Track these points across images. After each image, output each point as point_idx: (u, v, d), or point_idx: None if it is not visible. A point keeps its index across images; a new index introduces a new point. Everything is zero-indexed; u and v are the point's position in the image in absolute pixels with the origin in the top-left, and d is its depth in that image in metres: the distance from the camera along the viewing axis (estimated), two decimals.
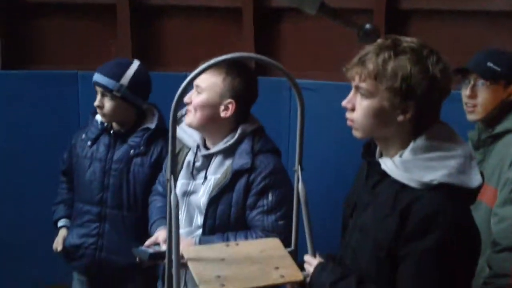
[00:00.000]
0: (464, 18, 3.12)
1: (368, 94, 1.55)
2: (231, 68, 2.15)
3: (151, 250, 2.14)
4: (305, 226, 1.76)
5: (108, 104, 2.54)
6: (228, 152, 2.17)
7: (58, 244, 2.69)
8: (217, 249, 1.86)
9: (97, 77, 2.56)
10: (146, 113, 2.66)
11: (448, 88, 1.56)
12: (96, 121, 2.66)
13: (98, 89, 2.56)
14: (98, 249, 2.63)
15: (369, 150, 1.71)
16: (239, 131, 2.17)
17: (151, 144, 2.60)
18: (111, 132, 2.62)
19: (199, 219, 2.20)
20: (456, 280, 1.50)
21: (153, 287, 2.78)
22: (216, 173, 2.18)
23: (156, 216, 2.37)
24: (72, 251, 2.66)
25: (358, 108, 1.58)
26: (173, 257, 1.60)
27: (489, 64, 2.22)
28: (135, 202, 2.59)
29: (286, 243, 1.86)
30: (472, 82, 2.23)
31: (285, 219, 2.10)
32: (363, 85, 1.55)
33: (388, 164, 1.57)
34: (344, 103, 1.60)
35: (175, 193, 1.60)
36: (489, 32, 3.06)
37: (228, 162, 2.16)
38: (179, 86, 1.77)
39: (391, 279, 1.53)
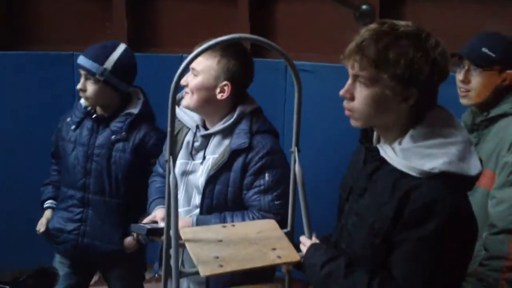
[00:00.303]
0: (458, 1, 3.14)
1: (369, 83, 1.51)
2: (226, 50, 2.16)
3: (148, 226, 2.17)
4: (301, 207, 1.78)
5: (90, 87, 2.52)
6: (226, 132, 2.19)
7: (41, 225, 2.67)
8: (214, 230, 1.89)
9: (81, 59, 2.53)
10: (131, 97, 2.64)
11: (447, 72, 1.54)
12: (80, 105, 2.64)
13: (82, 72, 2.53)
14: (80, 234, 2.62)
15: (366, 135, 1.69)
16: (237, 111, 2.19)
17: (134, 129, 2.57)
18: (94, 116, 2.61)
19: (197, 199, 2.23)
20: (451, 266, 1.51)
21: (139, 273, 2.84)
22: (214, 153, 2.21)
23: (154, 196, 2.39)
24: (55, 234, 2.66)
25: (358, 97, 1.55)
26: (172, 234, 1.64)
27: (484, 49, 2.21)
28: (117, 188, 2.59)
29: (282, 223, 1.91)
30: (466, 67, 2.23)
31: (282, 199, 2.13)
32: (363, 73, 1.51)
33: (388, 152, 1.56)
34: (342, 92, 1.57)
35: (174, 174, 1.64)
36: (483, 14, 3.08)
37: (226, 142, 2.19)
38: (174, 67, 1.79)
39: (384, 263, 1.54)
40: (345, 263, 1.58)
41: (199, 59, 2.06)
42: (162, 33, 3.65)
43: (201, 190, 2.20)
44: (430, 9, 3.19)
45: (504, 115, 2.21)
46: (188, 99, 2.19)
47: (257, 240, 1.82)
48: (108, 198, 2.60)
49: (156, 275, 2.53)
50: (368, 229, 1.56)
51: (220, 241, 1.80)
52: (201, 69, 2.16)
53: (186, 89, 2.19)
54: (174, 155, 1.69)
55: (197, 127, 2.25)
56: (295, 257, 1.73)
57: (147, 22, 3.66)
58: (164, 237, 1.69)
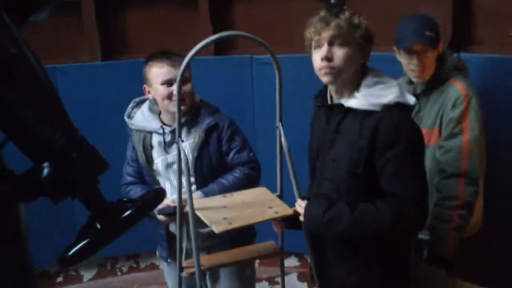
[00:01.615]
0: None
1: (345, 42, 1.96)
2: (180, 57, 2.44)
3: (172, 207, 2.45)
4: (290, 172, 2.14)
5: None
6: (191, 120, 2.61)
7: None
8: (217, 200, 2.23)
9: None
10: None
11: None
12: None
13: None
14: None
15: (323, 99, 2.13)
16: (197, 102, 2.63)
17: None
18: None
19: None
20: (422, 166, 2.02)
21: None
22: (188, 139, 2.58)
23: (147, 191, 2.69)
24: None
25: (337, 57, 1.97)
26: (189, 207, 1.97)
27: (427, 33, 2.51)
28: None
29: (259, 168, 2.56)
30: (420, 54, 2.49)
31: (252, 151, 2.68)
32: (342, 35, 1.96)
33: (352, 101, 2.01)
34: (323, 54, 1.97)
35: (185, 153, 1.97)
36: None
37: (194, 128, 2.59)
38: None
39: (368, 192, 1.98)
40: (345, 203, 1.98)
41: (176, 70, 2.40)
42: (131, 41, 3.88)
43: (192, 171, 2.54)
44: None
45: (439, 81, 2.55)
46: (188, 102, 2.56)
47: (254, 202, 2.17)
48: None
49: (169, 260, 2.77)
50: (347, 164, 1.99)
51: (225, 207, 2.14)
52: (189, 75, 2.56)
53: (174, 97, 2.48)
54: (180, 136, 2.03)
55: (162, 127, 2.60)
56: (289, 211, 2.09)
57: (116, 32, 3.87)
58: (177, 211, 2.07)
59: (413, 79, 2.60)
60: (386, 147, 1.94)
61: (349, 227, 1.96)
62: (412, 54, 2.52)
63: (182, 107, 2.52)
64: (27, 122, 1.01)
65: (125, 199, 1.09)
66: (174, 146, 2.55)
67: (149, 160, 2.62)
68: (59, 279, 4.07)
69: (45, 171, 1.02)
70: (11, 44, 1.02)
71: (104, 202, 1.07)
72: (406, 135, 1.96)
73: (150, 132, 2.63)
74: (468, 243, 2.50)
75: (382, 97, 1.97)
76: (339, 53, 1.98)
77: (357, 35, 1.98)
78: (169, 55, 2.57)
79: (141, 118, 2.64)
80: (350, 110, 2.01)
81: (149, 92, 2.61)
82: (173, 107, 2.52)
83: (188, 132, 2.60)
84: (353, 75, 2.02)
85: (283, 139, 2.14)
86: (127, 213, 1.04)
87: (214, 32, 3.58)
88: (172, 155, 2.58)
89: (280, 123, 2.15)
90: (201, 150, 2.57)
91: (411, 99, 2.03)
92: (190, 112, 2.60)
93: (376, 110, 1.97)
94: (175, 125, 2.56)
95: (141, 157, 2.62)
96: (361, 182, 2.00)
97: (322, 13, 2.02)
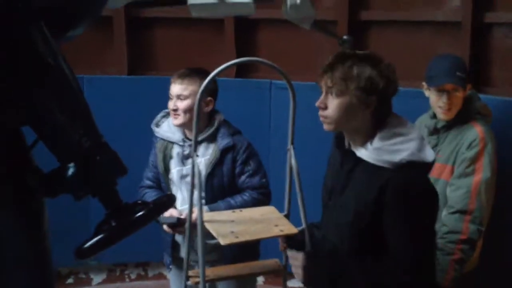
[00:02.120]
0: (413, 27, 3.53)
1: (340, 93, 1.92)
2: (198, 74, 2.68)
3: (175, 218, 2.59)
4: (297, 195, 2.22)
5: None
6: (210, 138, 2.73)
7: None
8: (226, 214, 2.32)
9: None
10: None
11: (397, 86, 1.98)
12: None
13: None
14: None
15: (340, 142, 2.07)
16: (216, 120, 2.76)
17: None
18: None
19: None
20: (428, 228, 1.95)
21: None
22: (204, 156, 2.70)
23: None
24: None
25: (330, 106, 1.93)
26: (198, 218, 2.08)
27: (458, 73, 2.63)
28: None
29: (269, 195, 2.66)
30: (449, 92, 2.61)
31: (265, 177, 2.78)
32: (335, 86, 1.91)
33: (363, 152, 1.94)
34: (317, 103, 1.98)
35: (198, 168, 2.09)
36: (435, 38, 3.49)
37: (212, 145, 2.72)
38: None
39: (371, 246, 1.95)
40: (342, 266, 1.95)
41: (182, 86, 2.67)
42: (158, 58, 4.03)
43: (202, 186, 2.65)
44: (390, 34, 3.58)
45: (461, 122, 2.66)
46: (182, 118, 2.69)
47: (261, 220, 2.26)
48: None
49: (171, 266, 2.89)
50: (353, 215, 1.96)
51: (233, 221, 2.22)
52: (188, 93, 2.68)
53: (177, 112, 2.68)
54: (196, 148, 2.14)
55: (183, 140, 2.73)
56: (294, 230, 2.17)
57: (144, 49, 4.03)
58: (187, 223, 2.16)
59: (439, 116, 2.70)
60: (393, 208, 1.88)
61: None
62: (442, 92, 2.63)
63: (176, 121, 2.69)
64: (58, 125, 1.13)
65: (139, 201, 1.21)
66: (190, 160, 2.66)
67: (167, 168, 2.77)
68: (70, 280, 4.19)
69: (70, 171, 1.14)
70: (50, 56, 1.15)
71: (120, 202, 1.19)
72: (414, 197, 1.88)
73: (172, 143, 2.77)
74: (466, 277, 2.58)
75: (395, 154, 1.88)
76: (332, 103, 1.95)
77: (352, 87, 1.91)
78: (189, 72, 2.71)
79: (167, 128, 2.79)
80: (362, 159, 1.95)
81: None
82: (173, 120, 2.71)
83: (206, 148, 2.72)
84: (362, 124, 1.96)
85: (293, 161, 2.24)
86: (139, 213, 1.16)
87: (238, 55, 3.76)
88: (187, 168, 2.71)
89: (291, 146, 2.25)
90: (215, 168, 2.69)
91: (429, 155, 1.92)
92: (208, 129, 2.72)
93: (388, 167, 1.89)
94: (200, 138, 2.72)
95: (160, 165, 2.77)
96: (364, 235, 1.97)
97: (331, 57, 1.99)
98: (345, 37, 1.71)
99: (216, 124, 2.74)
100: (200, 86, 2.60)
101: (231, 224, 2.22)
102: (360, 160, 1.95)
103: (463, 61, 2.75)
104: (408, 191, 1.87)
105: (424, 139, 1.99)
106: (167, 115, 2.83)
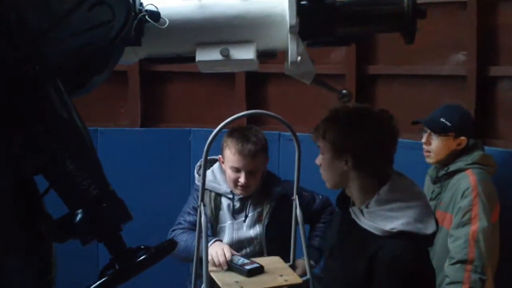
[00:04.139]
0: (420, 81, 3.61)
1: (322, 151, 1.94)
2: (262, 145, 2.74)
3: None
4: (302, 243, 2.28)
5: None
6: (259, 192, 2.75)
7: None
8: None
9: None
10: None
11: (393, 140, 1.90)
12: None
13: None
14: None
15: (342, 201, 2.04)
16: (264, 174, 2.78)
17: None
18: None
19: (248, 249, 2.70)
20: None
21: None
22: (255, 210, 2.72)
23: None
24: None
25: (321, 164, 1.96)
26: (204, 268, 2.12)
27: (442, 119, 2.75)
28: None
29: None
30: (428, 132, 2.79)
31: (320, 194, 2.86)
32: (320, 144, 1.96)
33: (357, 214, 1.85)
34: (316, 161, 2.01)
35: (206, 217, 2.14)
36: (440, 92, 3.55)
37: (261, 198, 2.73)
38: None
39: None
40: None
41: (256, 161, 2.67)
42: (170, 110, 4.14)
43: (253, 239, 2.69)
44: (397, 88, 3.66)
45: (459, 170, 2.73)
46: (253, 188, 2.71)
47: (267, 270, 2.32)
48: None
49: None
50: (344, 277, 1.88)
51: None
52: (259, 167, 2.72)
53: (249, 186, 2.68)
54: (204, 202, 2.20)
55: (232, 192, 2.73)
56: (298, 280, 2.22)
57: (157, 101, 4.15)
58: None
59: (426, 159, 2.81)
60: (380, 281, 1.76)
61: None
62: (425, 133, 2.77)
63: (246, 193, 2.70)
64: (69, 174, 1.20)
65: (142, 246, 1.27)
66: (242, 214, 2.74)
67: (216, 218, 2.75)
68: None
69: (78, 217, 1.21)
70: (63, 109, 1.23)
71: (124, 247, 1.25)
72: (401, 274, 1.74)
73: (220, 194, 2.77)
74: None
75: (387, 221, 1.76)
76: (320, 161, 1.97)
77: (343, 160, 1.87)
78: (246, 136, 2.67)
79: (211, 177, 2.77)
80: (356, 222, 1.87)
81: (222, 162, 2.76)
82: (237, 191, 2.70)
83: (258, 202, 2.74)
84: (357, 185, 1.89)
85: (298, 210, 2.30)
86: (141, 258, 1.22)
87: (248, 109, 3.82)
88: (237, 222, 2.73)
89: (296, 196, 2.32)
90: (271, 218, 2.69)
91: (429, 227, 1.77)
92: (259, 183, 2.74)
93: (379, 234, 1.77)
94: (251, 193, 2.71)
95: (210, 214, 2.72)
96: None
97: (323, 122, 1.96)
98: (344, 91, 1.78)
99: (264, 179, 2.79)
100: (265, 155, 2.71)
101: (236, 273, 2.26)
102: (355, 223, 1.86)
103: (461, 112, 2.82)
104: (399, 266, 1.73)
105: (430, 209, 1.90)
106: (209, 162, 2.77)
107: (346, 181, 1.90)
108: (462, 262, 2.56)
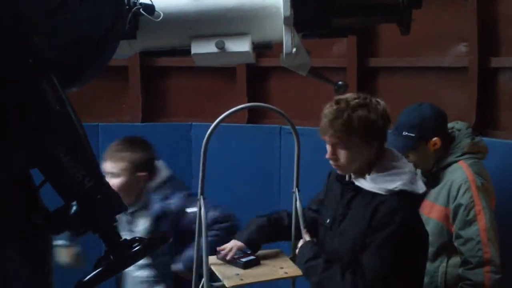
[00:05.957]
0: (421, 73, 3.60)
1: (344, 147, 2.08)
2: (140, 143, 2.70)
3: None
4: (303, 235, 2.28)
5: None
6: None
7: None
8: None
9: None
10: None
11: (390, 119, 2.12)
12: None
13: None
14: None
15: (340, 175, 2.22)
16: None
17: None
18: None
19: None
20: (404, 261, 2.01)
21: None
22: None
23: None
24: None
25: (342, 157, 2.10)
26: (204, 264, 2.12)
27: (404, 133, 2.61)
28: None
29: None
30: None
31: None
32: (340, 143, 2.08)
33: (362, 182, 2.13)
34: (328, 156, 2.12)
35: (205, 213, 2.14)
36: (442, 83, 3.55)
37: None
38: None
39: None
40: (323, 260, 2.08)
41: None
42: (170, 105, 4.15)
43: None
44: (398, 80, 3.65)
45: (450, 164, 2.64)
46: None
47: (268, 262, 2.31)
48: None
49: None
50: (351, 241, 2.07)
51: None
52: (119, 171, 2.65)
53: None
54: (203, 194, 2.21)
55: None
56: (299, 272, 2.22)
57: (158, 96, 4.16)
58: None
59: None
60: (377, 228, 2.02)
61: (316, 284, 2.07)
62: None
63: None
64: (63, 167, 1.21)
65: (136, 237, 1.28)
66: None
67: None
68: None
69: (73, 209, 1.22)
70: (57, 103, 1.24)
71: (118, 238, 1.26)
72: (398, 221, 2.01)
73: None
74: None
75: (389, 183, 2.06)
76: (341, 154, 2.11)
77: (355, 139, 2.07)
78: (120, 146, 2.70)
79: None
80: (361, 189, 2.12)
81: None
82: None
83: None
84: (365, 161, 2.12)
85: (298, 203, 2.30)
86: (135, 249, 1.23)
87: (249, 102, 3.83)
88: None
89: (296, 189, 2.32)
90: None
91: (419, 188, 2.09)
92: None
93: (382, 193, 2.06)
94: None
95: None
96: (357, 254, 2.05)
97: (326, 108, 2.11)
98: (340, 82, 1.79)
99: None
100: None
101: (234, 266, 2.26)
102: (359, 191, 2.13)
103: (420, 115, 2.66)
104: (396, 214, 2.02)
105: (416, 173, 2.12)
106: None
107: (359, 162, 2.11)
108: (480, 265, 2.47)
